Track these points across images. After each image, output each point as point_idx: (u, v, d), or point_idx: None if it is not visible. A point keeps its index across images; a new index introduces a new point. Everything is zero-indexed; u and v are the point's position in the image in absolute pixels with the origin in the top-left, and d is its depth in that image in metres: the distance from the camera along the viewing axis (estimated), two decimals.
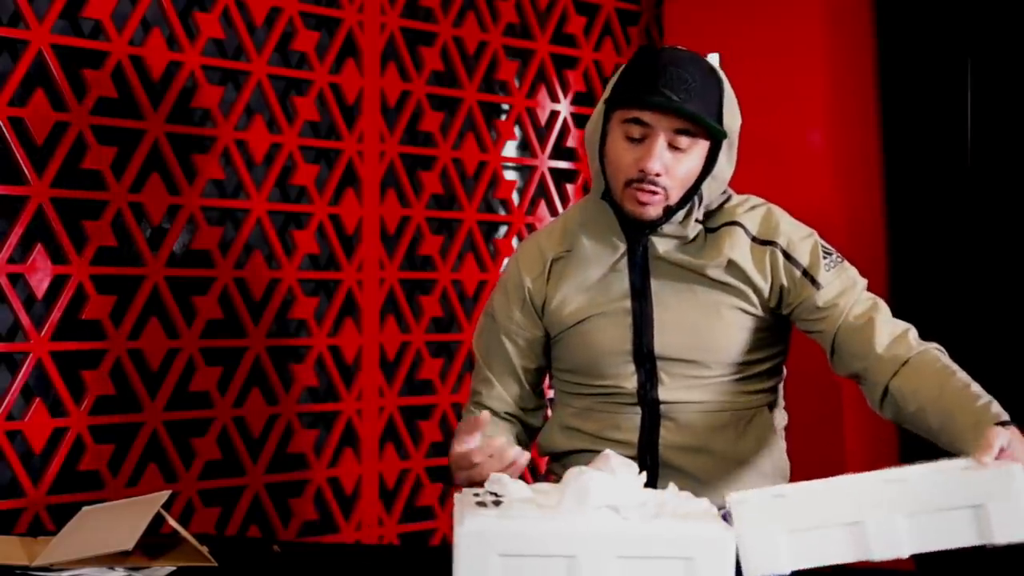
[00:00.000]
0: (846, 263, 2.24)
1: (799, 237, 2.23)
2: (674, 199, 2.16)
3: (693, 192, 2.17)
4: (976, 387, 2.06)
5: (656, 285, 2.21)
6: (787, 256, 2.20)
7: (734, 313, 2.20)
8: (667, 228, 2.20)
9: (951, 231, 3.70)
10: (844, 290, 2.19)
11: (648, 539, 1.66)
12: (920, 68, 3.75)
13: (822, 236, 2.27)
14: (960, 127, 3.67)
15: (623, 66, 2.22)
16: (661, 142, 2.12)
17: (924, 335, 2.20)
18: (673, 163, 2.13)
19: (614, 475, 1.80)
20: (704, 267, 2.19)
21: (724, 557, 1.64)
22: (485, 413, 2.07)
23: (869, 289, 2.24)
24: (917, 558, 1.80)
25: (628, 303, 2.22)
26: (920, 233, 3.75)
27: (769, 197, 2.34)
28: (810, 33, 3.67)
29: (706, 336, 2.20)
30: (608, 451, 1.88)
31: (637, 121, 2.13)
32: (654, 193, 2.14)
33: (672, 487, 1.84)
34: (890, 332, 2.16)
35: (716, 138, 2.16)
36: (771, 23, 3.69)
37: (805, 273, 2.20)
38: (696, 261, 2.20)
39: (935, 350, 2.17)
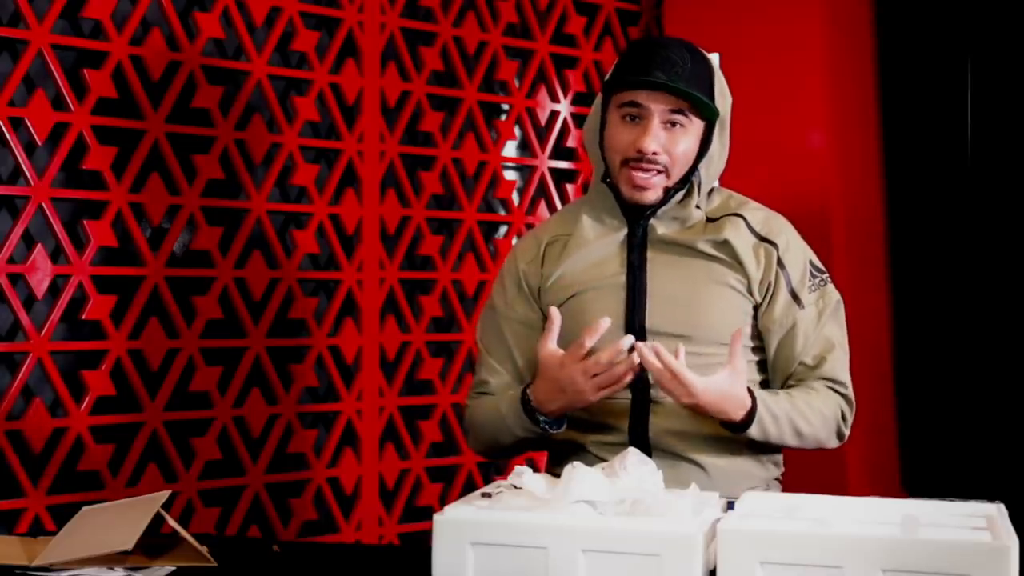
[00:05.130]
0: (829, 286, 2.32)
1: (796, 247, 2.31)
2: (674, 179, 2.24)
3: (691, 173, 2.24)
4: (800, 402, 2.23)
5: (652, 263, 2.26)
6: (780, 262, 2.27)
7: (724, 289, 2.25)
8: (667, 211, 2.26)
9: (951, 231, 3.70)
10: (813, 318, 2.27)
11: (616, 534, 1.68)
12: (920, 68, 3.75)
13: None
14: (960, 127, 3.67)
15: (620, 56, 2.29)
16: (656, 122, 2.21)
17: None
18: (669, 142, 2.22)
19: (625, 471, 1.82)
20: (695, 241, 2.25)
21: (691, 555, 1.64)
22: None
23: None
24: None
25: (623, 278, 2.27)
26: (920, 233, 3.75)
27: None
28: (810, 33, 3.67)
29: (696, 310, 2.23)
30: (630, 448, 1.91)
31: (633, 103, 2.22)
32: (654, 172, 2.22)
33: (694, 486, 1.86)
34: (819, 381, 2.28)
35: (709, 119, 2.23)
36: (771, 23, 3.69)
37: (790, 287, 2.27)
38: (690, 236, 2.26)
39: (823, 397, 2.27)
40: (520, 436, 2.25)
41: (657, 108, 2.20)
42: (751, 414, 2.15)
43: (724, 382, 2.11)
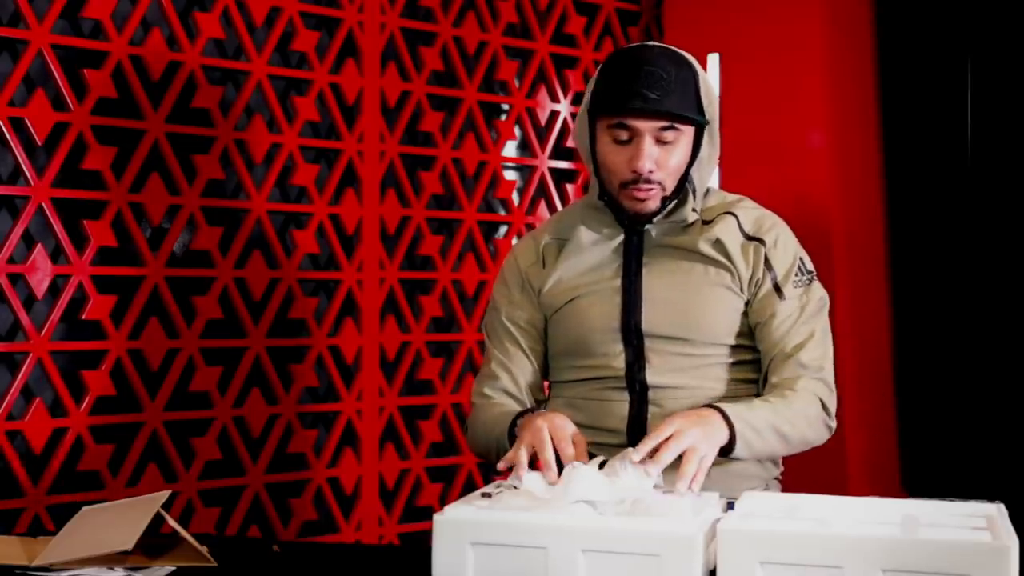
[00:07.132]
0: (815, 284, 2.31)
1: (784, 245, 2.30)
2: (670, 189, 2.25)
3: (684, 179, 2.25)
4: (780, 407, 2.19)
5: (648, 266, 2.28)
6: (767, 259, 2.27)
7: (720, 291, 2.26)
8: (663, 218, 2.28)
9: (951, 231, 3.70)
10: (794, 311, 2.26)
11: (616, 534, 1.69)
12: (920, 68, 3.76)
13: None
14: (960, 127, 3.67)
15: (599, 70, 2.28)
16: (648, 140, 2.20)
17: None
18: (663, 156, 2.22)
19: (625, 471, 1.83)
20: (694, 243, 2.26)
21: (691, 555, 1.65)
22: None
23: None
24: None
25: (619, 281, 2.28)
26: (920, 233, 3.75)
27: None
28: (810, 33, 3.67)
29: (692, 311, 2.24)
30: (629, 449, 1.90)
31: (622, 125, 2.21)
32: (650, 189, 2.22)
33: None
34: (796, 367, 2.25)
35: (699, 125, 2.24)
36: (771, 23, 3.70)
37: (774, 282, 2.26)
38: (685, 239, 2.27)
39: (802, 398, 2.24)
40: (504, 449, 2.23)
41: (647, 127, 2.19)
42: (731, 432, 2.10)
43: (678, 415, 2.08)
